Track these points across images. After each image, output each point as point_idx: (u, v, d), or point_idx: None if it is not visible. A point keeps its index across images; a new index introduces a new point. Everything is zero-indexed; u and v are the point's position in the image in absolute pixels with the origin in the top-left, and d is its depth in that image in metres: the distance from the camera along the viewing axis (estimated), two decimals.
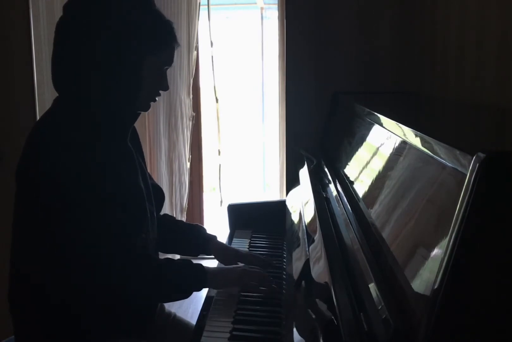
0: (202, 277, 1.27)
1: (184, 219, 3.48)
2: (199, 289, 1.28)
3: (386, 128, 1.18)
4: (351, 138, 1.58)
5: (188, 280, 1.27)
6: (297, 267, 1.31)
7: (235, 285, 1.35)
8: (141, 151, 1.43)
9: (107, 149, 1.22)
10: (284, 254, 1.68)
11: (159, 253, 1.47)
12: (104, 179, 1.18)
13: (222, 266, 1.48)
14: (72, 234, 1.17)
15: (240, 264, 1.46)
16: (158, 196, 1.43)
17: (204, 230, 1.57)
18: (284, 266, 1.58)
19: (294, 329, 1.09)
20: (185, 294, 1.27)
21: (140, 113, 1.35)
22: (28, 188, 1.20)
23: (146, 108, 1.33)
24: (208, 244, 1.52)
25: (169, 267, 1.26)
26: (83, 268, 1.18)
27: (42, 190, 1.17)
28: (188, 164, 3.43)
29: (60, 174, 1.16)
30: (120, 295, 1.22)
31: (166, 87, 1.32)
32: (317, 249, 1.15)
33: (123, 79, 1.23)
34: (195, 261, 1.31)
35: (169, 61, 1.30)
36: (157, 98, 1.34)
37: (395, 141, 1.08)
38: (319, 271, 1.06)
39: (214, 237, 1.55)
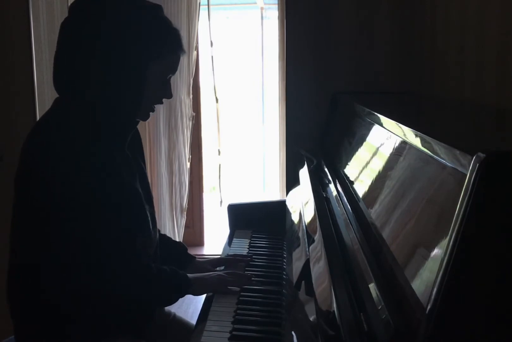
0: (187, 287, 1.30)
1: (184, 219, 3.48)
2: (182, 296, 1.31)
3: (386, 128, 1.18)
4: (351, 138, 1.58)
5: (176, 289, 1.29)
6: (297, 267, 1.31)
7: (213, 291, 1.38)
8: (142, 155, 1.42)
9: (106, 153, 1.21)
10: (284, 254, 1.68)
11: None
12: (102, 183, 1.18)
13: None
14: (69, 237, 1.16)
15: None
16: None
17: (186, 249, 1.58)
18: (284, 266, 1.58)
19: (294, 329, 1.09)
20: (170, 301, 1.30)
21: (139, 121, 1.34)
22: (27, 191, 1.20)
23: (146, 117, 1.32)
24: (188, 264, 1.53)
25: (163, 274, 1.26)
26: (81, 269, 1.17)
27: (40, 193, 1.17)
28: (188, 164, 3.43)
29: (58, 177, 1.15)
30: (112, 297, 1.22)
31: (169, 95, 1.31)
32: (317, 249, 1.15)
33: (126, 84, 1.22)
34: None
35: (174, 69, 1.29)
36: (155, 108, 1.31)
37: (395, 141, 1.08)
38: (319, 271, 1.06)
39: (194, 257, 1.57)
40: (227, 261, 1.58)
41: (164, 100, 1.32)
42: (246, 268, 1.54)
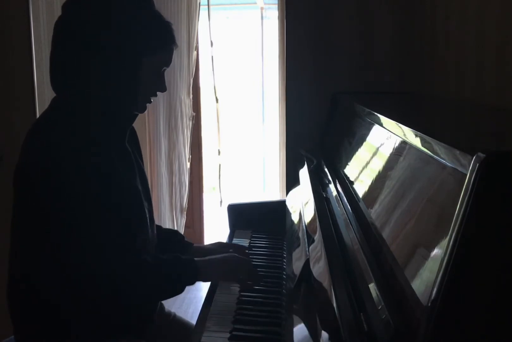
0: (194, 273, 1.26)
1: (184, 219, 3.48)
2: (191, 284, 1.27)
3: (386, 128, 1.18)
4: (351, 138, 1.58)
5: (181, 278, 1.25)
6: (297, 267, 1.31)
7: (225, 278, 1.37)
8: (139, 152, 1.43)
9: (104, 151, 1.22)
10: (284, 254, 1.68)
11: None
12: (101, 181, 1.18)
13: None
14: (69, 236, 1.16)
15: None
16: None
17: (182, 237, 1.57)
18: (284, 266, 1.58)
19: (294, 329, 1.09)
20: (178, 291, 1.26)
21: (137, 114, 1.35)
22: (26, 190, 1.20)
23: (143, 109, 1.33)
24: (187, 250, 1.52)
25: (163, 267, 1.24)
26: (80, 269, 1.17)
27: (39, 192, 1.17)
28: (188, 164, 3.43)
29: (57, 176, 1.15)
30: (114, 295, 1.21)
31: (164, 88, 1.32)
32: (317, 249, 1.15)
33: (122, 79, 1.23)
34: None
35: (168, 62, 1.30)
36: (152, 100, 1.33)
37: (395, 141, 1.08)
38: (319, 271, 1.06)
39: (191, 244, 1.56)
40: (227, 246, 1.56)
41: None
42: None
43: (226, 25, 5.58)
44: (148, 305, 1.35)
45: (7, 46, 2.30)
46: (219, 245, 1.58)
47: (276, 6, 2.74)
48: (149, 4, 1.27)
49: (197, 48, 3.34)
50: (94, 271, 1.17)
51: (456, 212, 0.64)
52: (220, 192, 4.14)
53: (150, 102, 1.33)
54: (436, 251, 0.69)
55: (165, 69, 1.31)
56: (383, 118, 1.21)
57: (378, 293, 0.79)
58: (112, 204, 1.20)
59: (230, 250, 1.51)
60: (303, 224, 1.41)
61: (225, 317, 1.25)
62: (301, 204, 1.58)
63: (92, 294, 1.19)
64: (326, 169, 1.62)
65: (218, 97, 3.85)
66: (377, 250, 0.92)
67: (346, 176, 1.43)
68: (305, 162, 1.90)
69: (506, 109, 1.44)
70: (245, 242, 1.81)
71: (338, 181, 1.41)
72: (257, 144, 5.87)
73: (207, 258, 1.34)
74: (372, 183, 1.16)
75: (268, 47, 5.38)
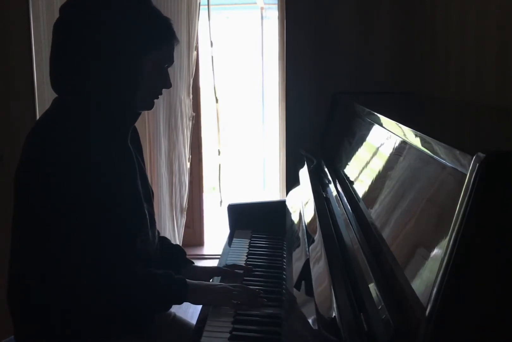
0: (183, 293, 1.25)
1: (184, 219, 3.48)
2: (179, 303, 1.26)
3: (386, 128, 1.18)
4: (351, 138, 1.58)
5: (169, 296, 1.24)
6: (297, 267, 1.31)
7: (215, 304, 1.30)
8: (141, 153, 1.43)
9: (104, 151, 1.21)
10: (284, 254, 1.68)
11: None
12: (101, 181, 1.18)
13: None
14: (68, 237, 1.16)
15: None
16: None
17: (185, 253, 1.53)
18: (284, 266, 1.58)
19: (294, 329, 1.09)
20: (164, 308, 1.27)
21: (140, 113, 1.35)
22: (26, 190, 1.20)
23: (150, 106, 1.33)
24: (182, 267, 1.47)
25: (154, 281, 1.23)
26: (80, 269, 1.17)
27: (39, 192, 1.17)
28: (188, 164, 3.43)
29: (57, 176, 1.15)
30: (111, 300, 1.20)
31: (169, 85, 1.32)
32: (317, 249, 1.15)
33: (122, 79, 1.23)
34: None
35: (169, 59, 1.30)
36: (159, 96, 1.33)
37: (395, 141, 1.08)
38: (319, 271, 1.06)
39: (192, 262, 1.52)
40: (223, 272, 1.50)
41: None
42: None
43: (226, 25, 5.59)
44: (140, 312, 1.30)
45: (7, 46, 2.30)
46: (213, 271, 1.52)
47: (276, 6, 2.74)
48: (146, 2, 1.27)
49: (197, 48, 3.34)
50: (92, 271, 1.17)
51: (456, 212, 0.64)
52: (220, 192, 4.14)
53: (157, 98, 1.33)
54: (436, 251, 0.69)
55: (168, 66, 1.31)
56: (383, 118, 1.21)
57: (378, 293, 0.79)
58: (111, 205, 1.19)
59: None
60: (303, 224, 1.41)
61: (225, 317, 1.25)
62: (301, 204, 1.58)
63: (89, 294, 1.19)
64: (326, 170, 1.62)
65: (218, 97, 3.85)
66: (377, 250, 0.92)
67: (346, 175, 1.43)
68: (305, 162, 1.90)
69: (506, 109, 1.44)
70: (245, 242, 1.81)
71: (338, 181, 1.41)
72: (257, 144, 5.88)
73: (200, 282, 1.31)
74: (372, 183, 1.16)
75: (268, 47, 5.39)
